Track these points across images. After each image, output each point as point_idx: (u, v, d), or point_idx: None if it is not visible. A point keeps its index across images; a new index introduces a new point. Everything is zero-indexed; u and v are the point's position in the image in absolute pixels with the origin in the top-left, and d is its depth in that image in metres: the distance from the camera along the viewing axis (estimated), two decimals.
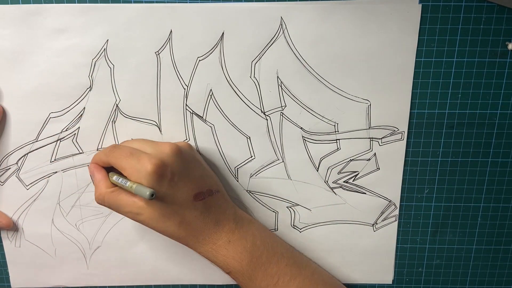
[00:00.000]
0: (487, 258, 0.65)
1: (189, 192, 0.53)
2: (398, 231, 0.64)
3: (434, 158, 0.60)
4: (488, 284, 0.66)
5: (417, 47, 0.56)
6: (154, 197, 0.49)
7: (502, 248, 0.64)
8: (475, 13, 0.54)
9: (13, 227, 0.62)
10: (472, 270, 0.65)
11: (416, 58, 0.56)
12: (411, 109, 0.58)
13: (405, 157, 0.60)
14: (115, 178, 0.54)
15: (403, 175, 0.61)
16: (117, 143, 0.59)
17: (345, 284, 0.65)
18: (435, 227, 0.63)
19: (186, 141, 0.59)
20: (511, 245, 0.64)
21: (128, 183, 0.51)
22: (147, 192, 0.49)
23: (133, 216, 0.53)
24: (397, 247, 0.64)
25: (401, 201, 0.62)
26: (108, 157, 0.54)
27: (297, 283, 0.57)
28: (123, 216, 0.58)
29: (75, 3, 0.54)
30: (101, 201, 0.55)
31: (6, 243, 0.64)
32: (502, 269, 0.65)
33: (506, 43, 0.55)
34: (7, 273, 0.65)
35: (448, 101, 0.58)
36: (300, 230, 0.63)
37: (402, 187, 0.61)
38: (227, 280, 0.66)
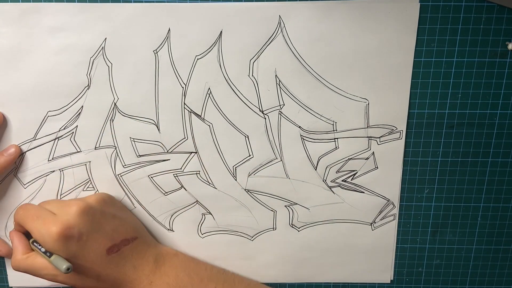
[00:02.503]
0: (487, 258, 0.65)
1: (101, 248, 0.55)
2: (398, 231, 0.64)
3: (434, 158, 0.60)
4: (488, 284, 0.66)
5: (417, 47, 0.55)
6: (70, 271, 0.51)
7: (502, 248, 0.64)
8: (475, 13, 0.54)
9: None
10: (472, 270, 0.65)
11: (416, 58, 0.56)
12: (411, 109, 0.58)
13: (405, 157, 0.60)
14: (35, 244, 0.56)
15: (403, 175, 0.61)
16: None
17: (343, 283, 0.66)
18: (435, 227, 0.63)
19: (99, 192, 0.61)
20: (511, 245, 0.64)
21: (47, 253, 0.53)
22: (63, 266, 0.52)
23: (51, 277, 0.55)
24: (397, 247, 0.64)
25: (401, 201, 0.62)
26: (17, 219, 0.57)
27: None
28: None
29: (74, 1, 0.54)
30: (16, 267, 0.57)
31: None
32: (502, 269, 0.65)
33: (506, 43, 0.55)
34: (6, 274, 0.65)
35: (448, 101, 0.57)
36: (298, 229, 0.63)
37: (402, 187, 0.61)
38: None
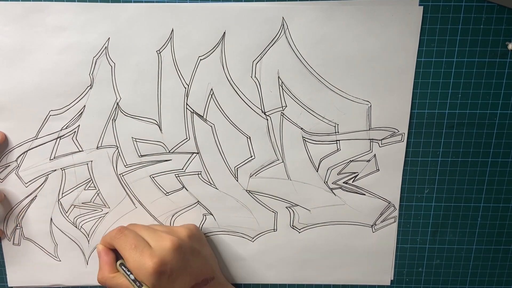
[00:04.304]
0: (487, 258, 0.65)
1: (185, 286, 0.56)
2: (398, 231, 0.64)
3: (434, 158, 0.60)
4: (488, 284, 0.66)
5: (417, 47, 0.56)
6: None
7: (502, 248, 0.64)
8: (475, 13, 0.54)
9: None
10: (472, 270, 0.65)
11: (416, 58, 0.56)
12: (411, 109, 0.58)
13: (405, 157, 0.60)
14: (123, 268, 0.57)
15: (403, 175, 0.61)
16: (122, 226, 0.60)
17: (343, 285, 0.66)
18: (435, 227, 0.63)
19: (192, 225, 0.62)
20: (511, 245, 0.64)
21: (137, 283, 0.55)
22: None
23: None
24: (397, 247, 0.64)
25: (401, 201, 0.62)
26: (113, 243, 0.57)
27: None
28: (122, 213, 0.61)
29: (77, 1, 0.54)
30: (103, 283, 0.58)
31: (4, 241, 0.63)
32: (502, 269, 0.65)
33: (506, 43, 0.55)
34: (5, 273, 0.64)
35: (448, 101, 0.58)
36: (299, 231, 0.63)
37: (402, 187, 0.62)
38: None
